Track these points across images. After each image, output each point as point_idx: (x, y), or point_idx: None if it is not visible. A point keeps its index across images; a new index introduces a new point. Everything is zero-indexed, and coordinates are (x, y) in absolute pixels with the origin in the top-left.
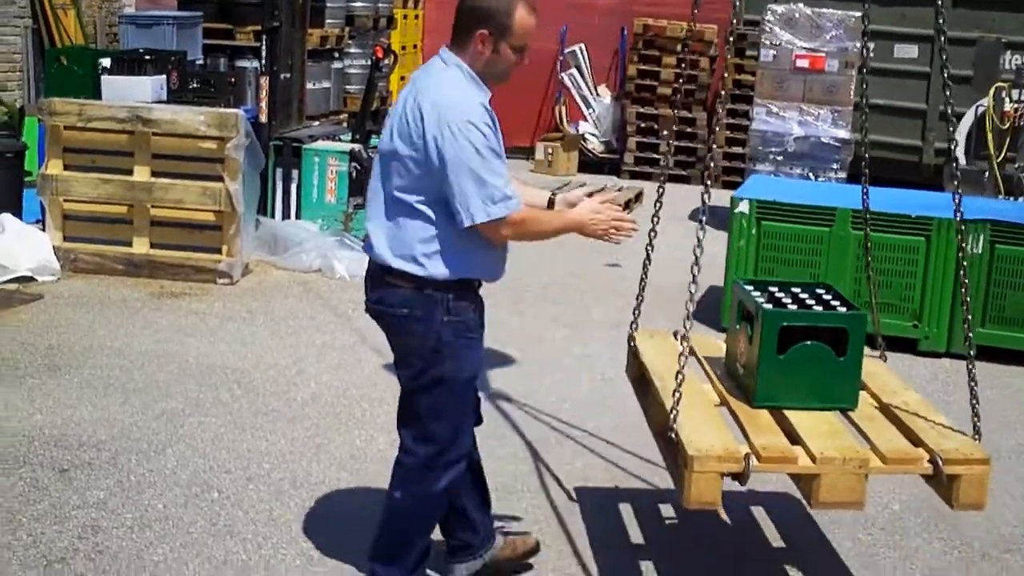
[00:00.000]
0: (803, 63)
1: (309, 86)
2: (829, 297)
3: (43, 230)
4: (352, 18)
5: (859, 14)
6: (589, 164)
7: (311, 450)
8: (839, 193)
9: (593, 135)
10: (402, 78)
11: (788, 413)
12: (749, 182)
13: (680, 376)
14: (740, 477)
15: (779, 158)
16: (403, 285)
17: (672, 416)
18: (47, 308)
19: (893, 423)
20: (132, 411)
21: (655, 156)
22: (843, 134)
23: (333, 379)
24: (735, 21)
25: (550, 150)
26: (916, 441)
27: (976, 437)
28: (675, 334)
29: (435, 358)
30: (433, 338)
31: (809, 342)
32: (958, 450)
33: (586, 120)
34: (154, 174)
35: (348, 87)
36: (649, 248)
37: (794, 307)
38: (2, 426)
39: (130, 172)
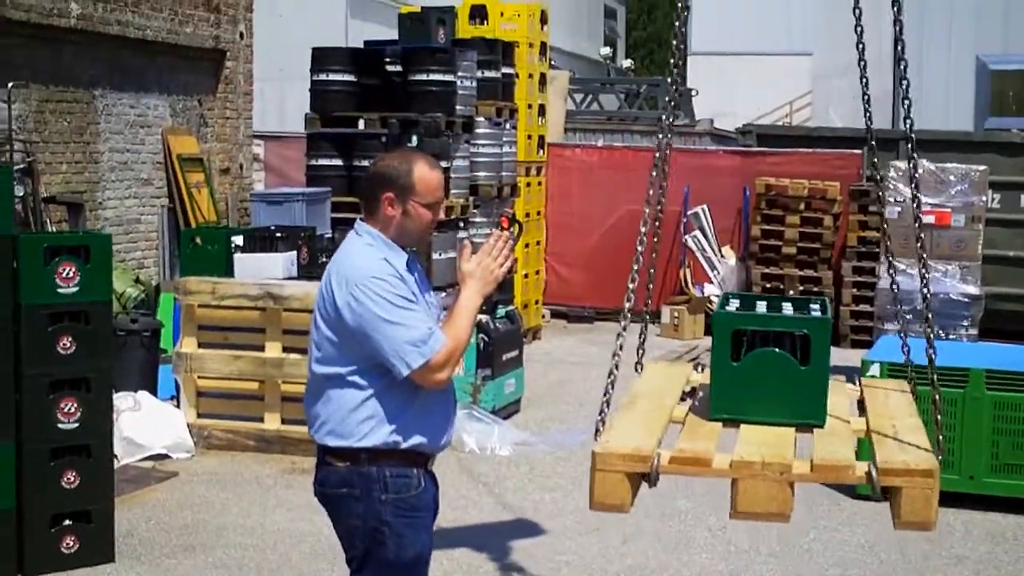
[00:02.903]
0: (929, 219)
1: (435, 256)
2: (815, 308)
3: (178, 407)
4: (476, 187)
5: (983, 167)
6: None
7: None
8: (971, 353)
9: (719, 297)
10: (526, 246)
11: (744, 426)
12: (879, 344)
13: (612, 376)
14: (647, 478)
15: (908, 316)
16: (339, 464)
17: (600, 418)
18: (181, 486)
19: (859, 439)
20: None
21: None
22: (972, 290)
23: (466, 557)
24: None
25: (676, 313)
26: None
27: (938, 453)
28: (696, 366)
29: (377, 539)
30: (373, 518)
31: (774, 349)
32: (902, 461)
33: (711, 282)
34: (285, 349)
35: None
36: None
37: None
38: None
39: (262, 348)
